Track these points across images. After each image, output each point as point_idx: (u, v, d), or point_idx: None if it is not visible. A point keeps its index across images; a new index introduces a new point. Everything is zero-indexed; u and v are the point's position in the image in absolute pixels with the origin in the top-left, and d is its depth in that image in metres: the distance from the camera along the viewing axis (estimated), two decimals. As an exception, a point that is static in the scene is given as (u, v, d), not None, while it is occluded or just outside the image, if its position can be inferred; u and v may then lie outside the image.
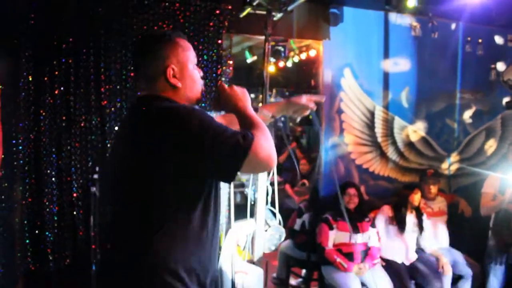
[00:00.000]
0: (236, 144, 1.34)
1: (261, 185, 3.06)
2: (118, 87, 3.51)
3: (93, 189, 3.30)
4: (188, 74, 1.56)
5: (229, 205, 3.09)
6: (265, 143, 1.39)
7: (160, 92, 1.53)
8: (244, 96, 1.59)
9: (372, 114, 4.38)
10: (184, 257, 1.44)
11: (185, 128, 1.36)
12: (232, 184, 3.09)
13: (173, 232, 1.42)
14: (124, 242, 1.49)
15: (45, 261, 3.40)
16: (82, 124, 3.45)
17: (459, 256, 4.05)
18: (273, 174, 3.09)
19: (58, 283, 3.42)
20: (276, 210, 3.12)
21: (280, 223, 3.12)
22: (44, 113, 3.37)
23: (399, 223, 3.92)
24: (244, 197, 3.41)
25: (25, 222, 3.37)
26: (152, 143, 1.37)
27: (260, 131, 1.43)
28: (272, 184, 3.11)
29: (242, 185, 4.07)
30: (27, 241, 3.37)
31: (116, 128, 3.46)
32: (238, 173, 1.39)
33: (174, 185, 1.40)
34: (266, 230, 3.03)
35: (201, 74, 1.63)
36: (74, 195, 3.47)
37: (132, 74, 3.51)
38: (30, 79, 3.33)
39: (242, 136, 1.36)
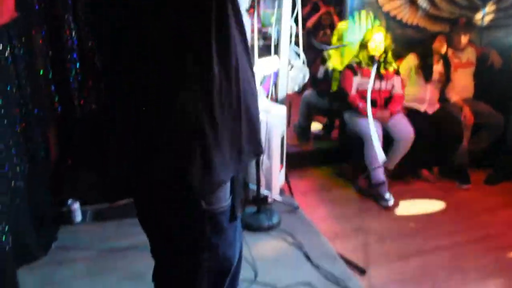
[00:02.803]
0: None
1: (285, 23, 2.93)
2: None
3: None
4: None
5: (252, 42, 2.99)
6: None
7: None
8: None
9: (404, -45, 4.01)
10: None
11: None
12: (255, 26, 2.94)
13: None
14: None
15: (71, 107, 3.47)
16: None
17: (483, 106, 4.00)
18: (297, 13, 2.93)
19: (84, 128, 3.53)
20: (300, 50, 3.02)
21: (304, 63, 3.04)
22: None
23: (425, 72, 3.82)
24: (268, 38, 3.27)
25: (48, 70, 3.38)
26: None
27: None
28: (296, 22, 2.96)
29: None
30: (53, 87, 3.41)
31: None
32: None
33: None
34: (290, 70, 2.97)
35: None
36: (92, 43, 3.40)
37: None
38: None
39: None
